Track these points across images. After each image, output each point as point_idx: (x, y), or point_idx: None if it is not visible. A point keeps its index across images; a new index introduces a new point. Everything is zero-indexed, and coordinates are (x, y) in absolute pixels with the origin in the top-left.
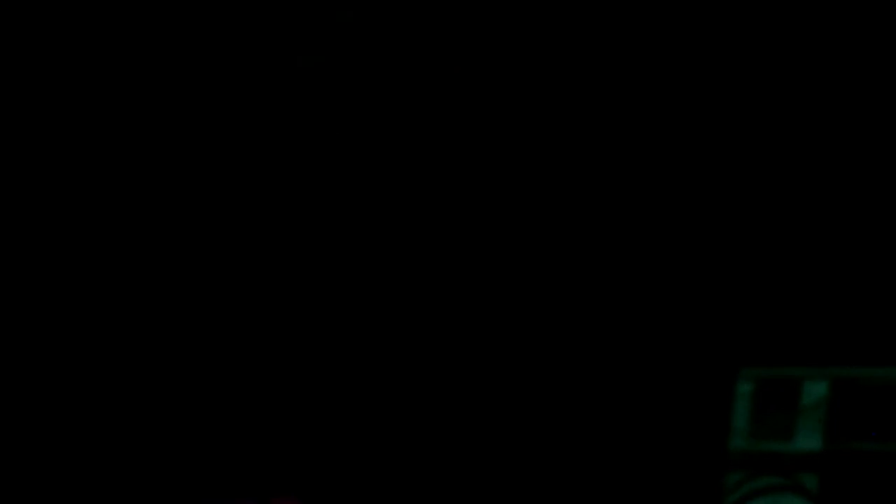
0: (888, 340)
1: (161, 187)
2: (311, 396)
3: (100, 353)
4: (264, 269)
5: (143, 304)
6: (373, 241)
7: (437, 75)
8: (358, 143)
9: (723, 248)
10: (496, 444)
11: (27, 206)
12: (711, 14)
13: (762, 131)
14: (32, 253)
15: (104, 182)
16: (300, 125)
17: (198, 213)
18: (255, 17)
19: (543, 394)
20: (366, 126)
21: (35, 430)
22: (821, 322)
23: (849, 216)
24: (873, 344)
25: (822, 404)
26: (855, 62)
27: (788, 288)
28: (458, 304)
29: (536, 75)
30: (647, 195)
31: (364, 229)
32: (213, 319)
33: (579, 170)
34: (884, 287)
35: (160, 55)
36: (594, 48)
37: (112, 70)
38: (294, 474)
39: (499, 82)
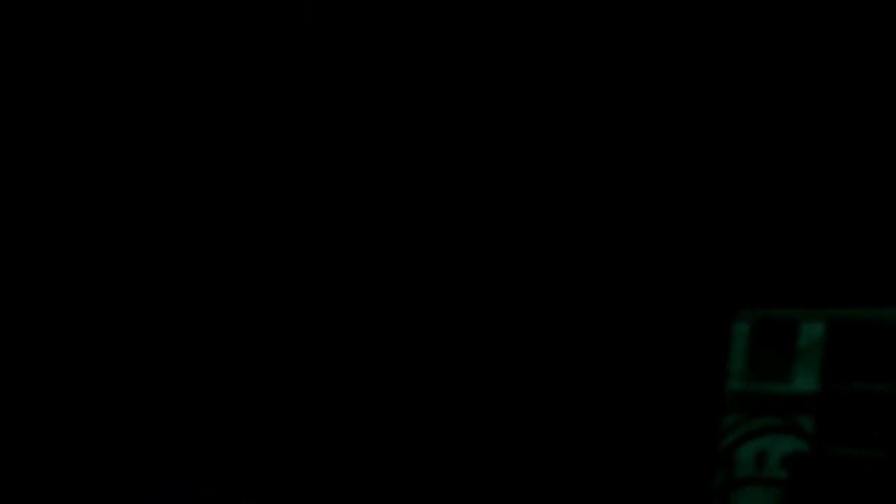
0: (884, 281)
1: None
2: (302, 393)
3: (97, 343)
4: (254, 264)
5: (139, 299)
6: (368, 239)
7: (417, 77)
8: (350, 143)
9: (720, 192)
10: (503, 379)
11: (27, 206)
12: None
13: (753, 81)
14: (32, 251)
15: (106, 180)
16: (295, 124)
17: (199, 209)
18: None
19: (546, 334)
20: (360, 127)
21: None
22: (818, 263)
23: (844, 158)
24: (870, 285)
25: (818, 345)
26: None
27: (785, 229)
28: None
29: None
30: (646, 143)
31: (360, 227)
32: (200, 315)
33: (574, 132)
34: (880, 228)
35: (165, 56)
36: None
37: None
38: (277, 471)
39: (477, 83)
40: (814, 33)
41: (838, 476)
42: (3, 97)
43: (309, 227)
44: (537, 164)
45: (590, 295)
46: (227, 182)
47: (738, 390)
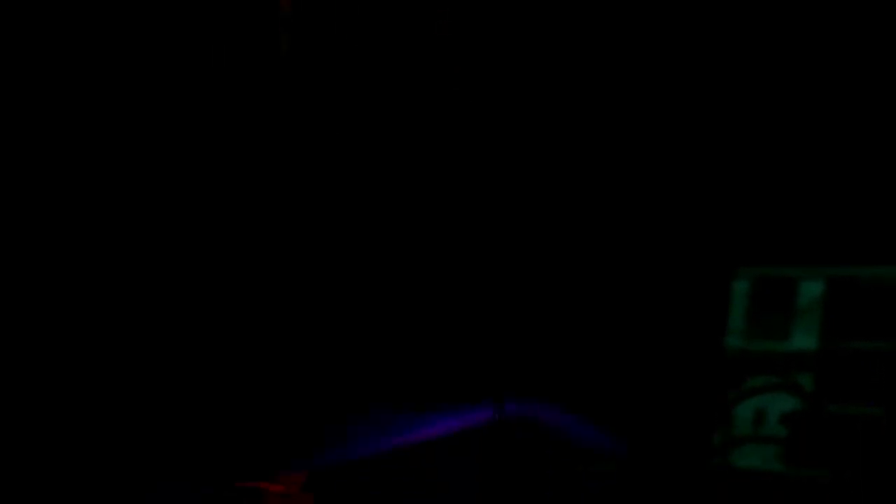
0: (884, 240)
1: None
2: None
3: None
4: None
5: (138, 299)
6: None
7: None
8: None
9: (720, 151)
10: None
11: (26, 206)
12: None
13: (750, 44)
14: (32, 251)
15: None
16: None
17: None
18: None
19: (549, 291)
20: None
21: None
22: (817, 222)
23: (843, 115)
24: (869, 243)
25: (817, 304)
26: None
27: (785, 188)
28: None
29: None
30: (646, 107)
31: (358, 227)
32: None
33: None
34: (879, 187)
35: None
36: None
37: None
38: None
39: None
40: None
41: (837, 433)
42: (3, 97)
43: (305, 227)
44: (541, 130)
45: (591, 255)
46: (225, 181)
47: (737, 348)
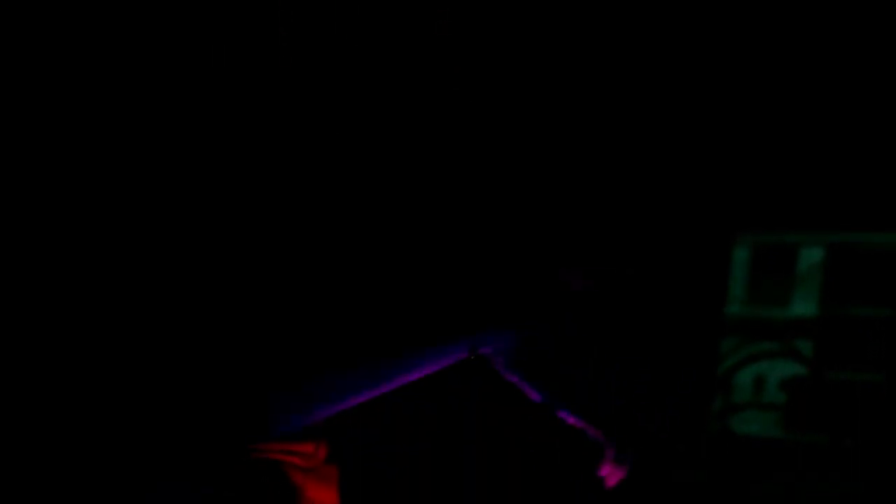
0: (884, 206)
1: None
2: None
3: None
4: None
5: (137, 298)
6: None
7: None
8: None
9: (719, 113)
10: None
11: (25, 206)
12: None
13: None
14: (32, 250)
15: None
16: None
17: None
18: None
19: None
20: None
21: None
22: (817, 188)
23: (843, 80)
24: (869, 209)
25: (818, 270)
26: None
27: (785, 154)
28: None
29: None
30: (646, 73)
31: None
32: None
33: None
34: (879, 152)
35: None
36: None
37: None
38: None
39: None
40: None
41: (836, 400)
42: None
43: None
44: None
45: (588, 221)
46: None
47: (737, 315)
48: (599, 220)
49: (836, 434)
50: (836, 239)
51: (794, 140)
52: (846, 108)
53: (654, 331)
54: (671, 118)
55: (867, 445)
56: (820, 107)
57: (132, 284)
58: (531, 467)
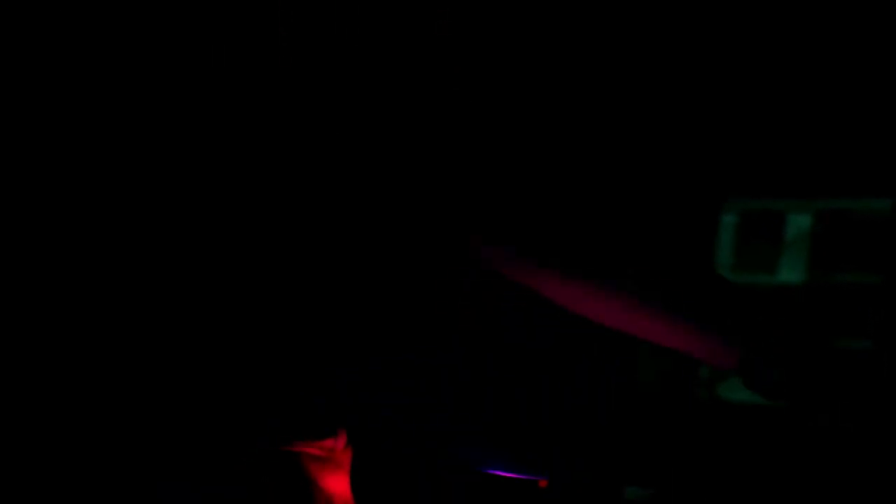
0: (872, 172)
1: None
2: None
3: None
4: None
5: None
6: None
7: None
8: None
9: (707, 79)
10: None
11: (25, 205)
12: None
13: None
14: (31, 250)
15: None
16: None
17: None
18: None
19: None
20: None
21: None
22: (805, 154)
23: (832, 46)
24: (857, 176)
25: (806, 237)
26: None
27: (773, 121)
28: None
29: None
30: (631, 39)
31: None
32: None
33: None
34: (867, 118)
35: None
36: None
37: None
38: None
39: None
40: None
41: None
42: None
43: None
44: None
45: (575, 189)
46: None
47: None
48: (591, 189)
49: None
50: (824, 205)
51: (782, 106)
52: (835, 74)
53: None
54: (657, 86)
55: (856, 412)
56: (809, 72)
57: (125, 284)
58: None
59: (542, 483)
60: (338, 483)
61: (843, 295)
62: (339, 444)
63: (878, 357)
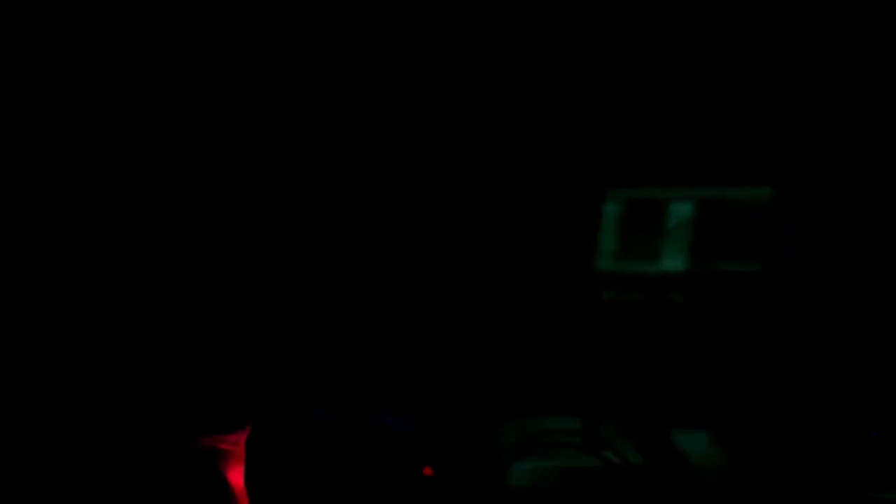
0: (751, 161)
1: None
2: None
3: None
4: None
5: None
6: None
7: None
8: None
9: (587, 71)
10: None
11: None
12: None
13: None
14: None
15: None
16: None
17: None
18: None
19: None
20: None
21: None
22: (685, 144)
23: (709, 39)
24: (736, 165)
25: (686, 225)
26: None
27: (653, 111)
28: None
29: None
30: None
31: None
32: None
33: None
34: (746, 108)
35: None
36: None
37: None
38: None
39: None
40: None
41: (704, 352)
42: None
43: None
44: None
45: (458, 178)
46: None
47: (607, 270)
48: (474, 187)
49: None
50: (704, 194)
51: (662, 96)
52: (714, 64)
53: (525, 287)
54: (541, 78)
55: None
56: (689, 63)
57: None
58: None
59: (427, 471)
60: (238, 476)
61: (723, 282)
62: (243, 438)
63: (755, 343)
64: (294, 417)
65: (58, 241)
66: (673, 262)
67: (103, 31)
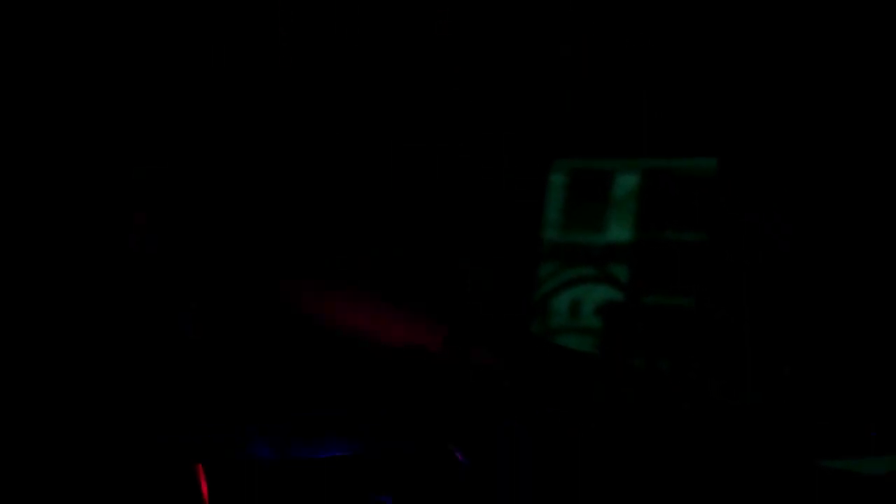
0: (697, 132)
1: None
2: None
3: None
4: None
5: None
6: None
7: None
8: None
9: (534, 43)
10: None
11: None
12: None
13: None
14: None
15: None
16: None
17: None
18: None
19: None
20: None
21: None
22: (632, 115)
23: (651, 10)
24: (683, 135)
25: (633, 196)
26: None
27: (599, 80)
28: None
29: None
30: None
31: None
32: None
33: None
34: (691, 78)
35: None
36: None
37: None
38: None
39: None
40: None
41: (650, 324)
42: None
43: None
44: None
45: (406, 149)
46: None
47: (553, 241)
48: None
49: (651, 357)
50: (650, 165)
51: (608, 67)
52: (659, 35)
53: (472, 257)
54: (487, 47)
55: (679, 367)
56: (633, 35)
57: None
58: None
59: None
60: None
61: (669, 252)
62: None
63: (701, 313)
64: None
65: (57, 240)
66: (619, 233)
67: (101, 31)
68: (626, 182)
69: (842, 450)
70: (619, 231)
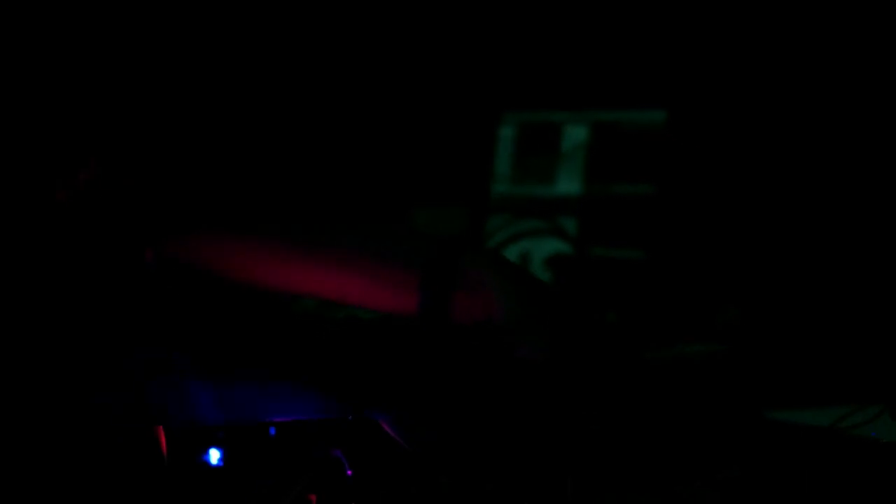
0: (645, 84)
1: None
2: None
3: None
4: None
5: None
6: None
7: None
8: None
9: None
10: None
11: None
12: None
13: None
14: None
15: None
16: None
17: None
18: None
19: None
20: None
21: None
22: (580, 67)
23: None
24: (631, 88)
25: (582, 148)
26: None
27: (549, 32)
28: None
29: None
30: None
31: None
32: None
33: None
34: (640, 31)
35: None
36: None
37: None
38: None
39: None
40: None
41: (599, 277)
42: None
43: None
44: None
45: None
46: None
47: (502, 193)
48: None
49: (600, 310)
50: (599, 117)
51: (557, 18)
52: None
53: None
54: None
55: (629, 319)
56: None
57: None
58: None
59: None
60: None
61: (617, 205)
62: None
63: (650, 267)
64: None
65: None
66: (568, 185)
67: (98, 30)
68: (576, 134)
69: (786, 401)
70: (568, 184)
